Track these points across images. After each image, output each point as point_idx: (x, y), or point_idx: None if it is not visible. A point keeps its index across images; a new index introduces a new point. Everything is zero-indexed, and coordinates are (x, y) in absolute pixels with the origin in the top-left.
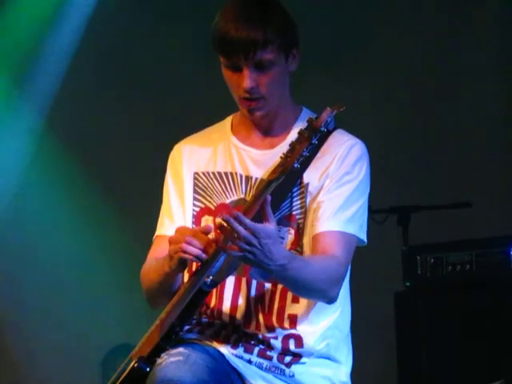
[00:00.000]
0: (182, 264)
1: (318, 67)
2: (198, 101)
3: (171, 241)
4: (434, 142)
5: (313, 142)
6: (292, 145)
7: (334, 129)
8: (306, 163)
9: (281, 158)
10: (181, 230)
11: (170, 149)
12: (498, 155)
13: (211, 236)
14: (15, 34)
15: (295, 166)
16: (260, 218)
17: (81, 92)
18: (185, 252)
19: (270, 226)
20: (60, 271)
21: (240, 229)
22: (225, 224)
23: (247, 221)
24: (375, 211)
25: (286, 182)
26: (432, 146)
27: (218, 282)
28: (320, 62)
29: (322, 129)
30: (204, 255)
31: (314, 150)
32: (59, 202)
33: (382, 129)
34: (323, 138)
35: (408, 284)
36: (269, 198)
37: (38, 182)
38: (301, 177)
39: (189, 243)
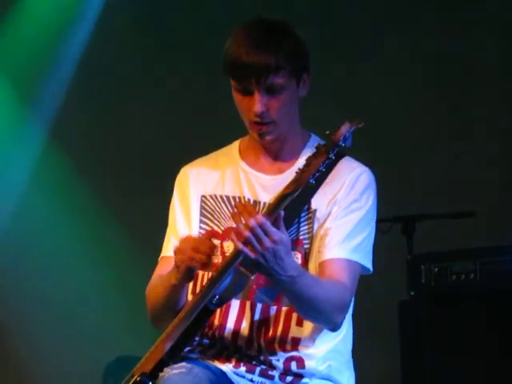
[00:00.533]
0: (189, 274)
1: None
2: (204, 116)
3: (177, 251)
4: (438, 151)
5: (330, 156)
6: (308, 159)
7: (343, 156)
8: (316, 187)
9: (296, 173)
10: (186, 239)
11: (175, 165)
12: (499, 164)
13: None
14: (20, 46)
15: (310, 181)
16: None
17: (85, 105)
18: (191, 259)
19: (284, 235)
20: (59, 284)
21: (250, 219)
22: (238, 217)
23: (263, 219)
24: (380, 220)
25: (294, 207)
26: (436, 156)
27: (225, 300)
28: (320, 63)
29: (341, 143)
30: (211, 261)
31: (330, 167)
32: (61, 215)
33: (386, 137)
34: (340, 154)
35: (412, 293)
36: (282, 213)
37: (39, 195)
38: (309, 202)
39: (194, 250)
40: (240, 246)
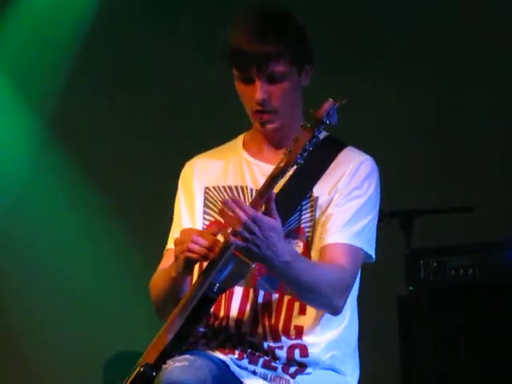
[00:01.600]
0: (188, 266)
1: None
2: (208, 112)
3: (177, 242)
4: (436, 146)
5: (316, 134)
6: (295, 138)
7: (345, 146)
8: (315, 175)
9: (284, 153)
10: (186, 231)
11: (177, 157)
12: (498, 159)
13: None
14: (19, 37)
15: (298, 160)
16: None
17: (85, 97)
18: (190, 251)
19: (275, 221)
20: (62, 277)
21: (240, 213)
22: (226, 211)
23: (247, 207)
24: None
25: (294, 196)
26: (434, 150)
27: (225, 289)
28: (321, 61)
29: (325, 120)
30: (210, 254)
31: (330, 157)
32: (60, 206)
33: (383, 132)
34: (333, 140)
35: (411, 288)
36: (273, 194)
37: (38, 187)
38: (311, 191)
39: (194, 242)
40: (232, 239)
